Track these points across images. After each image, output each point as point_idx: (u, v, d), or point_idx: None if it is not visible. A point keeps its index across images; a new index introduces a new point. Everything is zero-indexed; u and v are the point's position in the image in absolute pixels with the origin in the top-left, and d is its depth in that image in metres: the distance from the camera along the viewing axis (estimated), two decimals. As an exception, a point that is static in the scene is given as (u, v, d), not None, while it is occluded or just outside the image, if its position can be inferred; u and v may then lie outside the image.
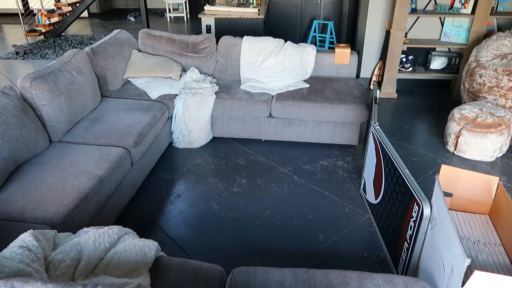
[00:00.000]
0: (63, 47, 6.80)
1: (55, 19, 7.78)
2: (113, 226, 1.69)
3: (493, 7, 4.30)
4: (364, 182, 2.79)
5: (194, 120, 3.41)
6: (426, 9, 4.55)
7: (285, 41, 3.80)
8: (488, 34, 4.27)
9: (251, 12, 4.84)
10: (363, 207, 2.76)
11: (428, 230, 1.86)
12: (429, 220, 1.84)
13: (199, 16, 4.88)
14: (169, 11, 9.01)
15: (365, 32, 4.73)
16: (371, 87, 4.88)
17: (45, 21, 7.57)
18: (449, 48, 4.78)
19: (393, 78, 4.54)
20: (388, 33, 4.47)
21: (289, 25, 6.44)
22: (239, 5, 5.17)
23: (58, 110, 2.65)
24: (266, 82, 3.65)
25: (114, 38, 3.60)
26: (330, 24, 5.81)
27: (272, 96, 3.46)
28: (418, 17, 4.65)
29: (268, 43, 3.73)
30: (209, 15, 4.84)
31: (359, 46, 5.05)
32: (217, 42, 3.86)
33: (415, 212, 1.90)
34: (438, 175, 2.06)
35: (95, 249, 1.56)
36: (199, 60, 3.81)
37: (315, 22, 6.02)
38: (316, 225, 2.59)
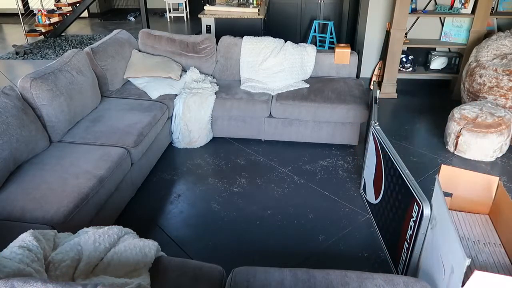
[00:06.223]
0: (63, 47, 6.80)
1: (55, 19, 7.78)
2: (113, 226, 1.69)
3: (493, 7, 4.30)
4: (364, 182, 2.79)
5: (194, 120, 3.41)
6: (426, 9, 4.55)
7: (285, 41, 3.80)
8: (488, 34, 4.27)
9: (251, 12, 4.84)
10: (363, 207, 2.76)
11: (428, 230, 1.86)
12: (429, 220, 1.84)
13: (199, 16, 4.89)
14: (169, 11, 9.01)
15: (365, 32, 4.73)
16: (371, 87, 4.88)
17: (45, 21, 7.57)
18: (449, 48, 4.78)
19: (393, 78, 4.54)
20: (388, 33, 4.47)
21: (289, 25, 6.43)
22: (239, 5, 5.17)
23: (58, 110, 2.65)
24: (266, 82, 3.65)
25: (114, 38, 3.60)
26: (330, 24, 5.81)
27: (272, 96, 3.46)
28: (418, 17, 4.65)
29: (268, 43, 3.73)
30: (209, 15, 4.84)
31: (359, 46, 5.05)
32: (217, 42, 3.86)
33: (415, 212, 1.90)
34: (438, 175, 2.05)
35: (95, 249, 1.56)
36: (199, 60, 3.81)
37: (315, 22, 6.02)
38: (316, 225, 2.59)
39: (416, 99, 4.56)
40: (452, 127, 3.36)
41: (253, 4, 5.25)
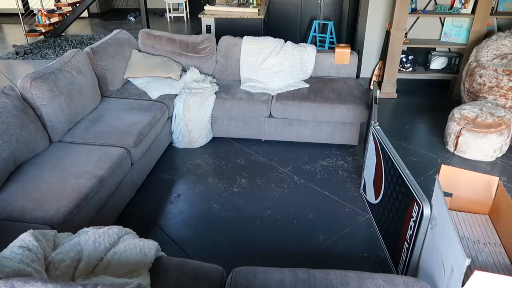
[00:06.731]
0: (63, 47, 6.80)
1: (55, 19, 7.78)
2: (113, 226, 1.69)
3: (493, 7, 4.30)
4: (364, 182, 2.79)
5: (194, 120, 3.41)
6: (426, 9, 4.55)
7: (285, 41, 3.79)
8: (488, 34, 4.27)
9: (251, 12, 4.84)
10: (363, 207, 2.76)
11: (428, 230, 1.86)
12: (429, 220, 1.84)
13: (199, 16, 4.89)
14: (169, 11, 9.01)
15: (365, 32, 4.73)
16: (371, 87, 4.88)
17: (45, 21, 7.57)
18: (449, 48, 4.78)
19: (393, 78, 4.54)
20: (388, 33, 4.47)
21: (289, 25, 6.43)
22: (239, 5, 5.17)
23: (58, 110, 2.65)
24: (266, 82, 3.65)
25: (114, 38, 3.60)
26: (330, 24, 5.81)
27: (272, 96, 3.46)
28: (418, 17, 4.65)
29: (268, 43, 3.73)
30: (209, 15, 4.84)
31: (359, 46, 5.05)
32: (217, 42, 3.86)
33: (415, 212, 1.90)
34: (438, 175, 2.06)
35: (95, 249, 1.56)
36: (199, 60, 3.81)
37: (315, 22, 6.02)
38: (316, 225, 2.59)
39: (416, 99, 4.56)
40: (452, 127, 3.36)
41: (253, 4, 5.25)
